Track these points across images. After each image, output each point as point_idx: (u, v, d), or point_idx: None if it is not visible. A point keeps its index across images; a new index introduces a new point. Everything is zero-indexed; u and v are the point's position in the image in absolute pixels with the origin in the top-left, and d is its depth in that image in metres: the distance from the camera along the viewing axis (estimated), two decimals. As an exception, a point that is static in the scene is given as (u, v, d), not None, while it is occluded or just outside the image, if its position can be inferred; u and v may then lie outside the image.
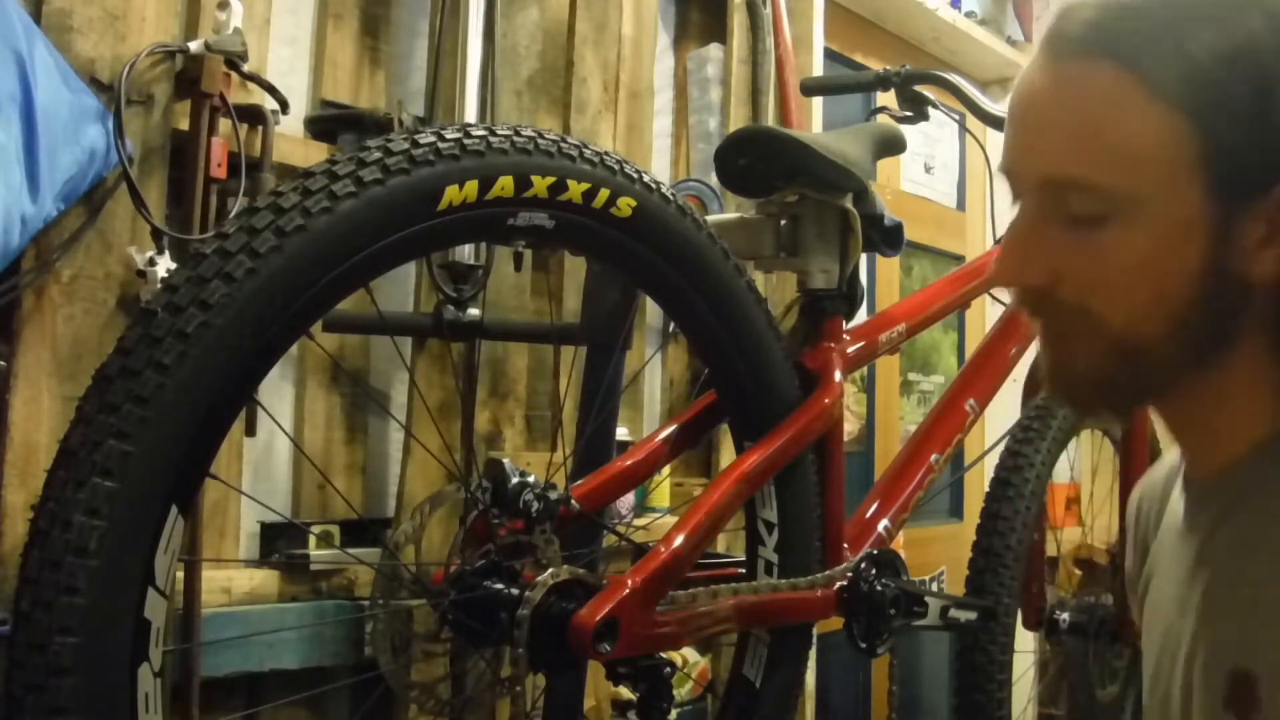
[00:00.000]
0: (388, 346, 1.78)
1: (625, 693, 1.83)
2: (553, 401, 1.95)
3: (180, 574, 1.41)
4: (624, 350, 1.47)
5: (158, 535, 0.77)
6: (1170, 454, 0.95)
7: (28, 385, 1.33)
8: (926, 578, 2.98)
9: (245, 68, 1.51)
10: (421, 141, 0.89)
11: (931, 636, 2.81)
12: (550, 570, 1.02)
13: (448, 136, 0.91)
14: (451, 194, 0.90)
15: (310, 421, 1.69)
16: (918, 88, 1.69)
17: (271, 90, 1.56)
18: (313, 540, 1.63)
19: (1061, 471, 1.86)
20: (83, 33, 1.37)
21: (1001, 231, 1.65)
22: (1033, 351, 1.61)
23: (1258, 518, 0.77)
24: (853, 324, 1.40)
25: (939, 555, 3.03)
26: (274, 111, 1.57)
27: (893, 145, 1.44)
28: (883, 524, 1.41)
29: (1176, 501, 0.88)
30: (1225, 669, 0.75)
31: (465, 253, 1.67)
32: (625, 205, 1.02)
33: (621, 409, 1.79)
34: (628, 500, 1.75)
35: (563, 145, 0.98)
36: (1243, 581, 0.76)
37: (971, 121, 1.74)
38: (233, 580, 1.52)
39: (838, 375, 1.30)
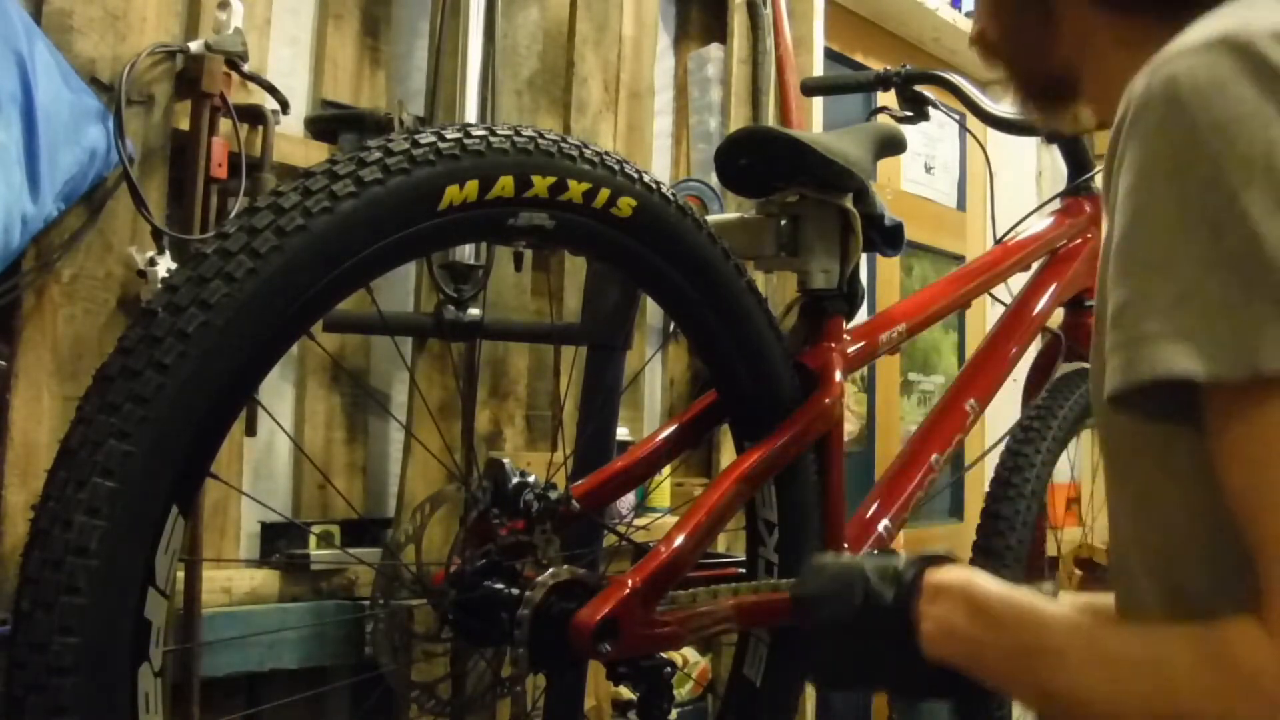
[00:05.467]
0: (388, 346, 1.78)
1: (625, 693, 1.83)
2: (553, 401, 1.95)
3: (181, 574, 1.41)
4: (624, 350, 1.46)
5: (158, 535, 0.77)
6: None
7: (28, 385, 1.33)
8: (927, 578, 2.97)
9: (246, 68, 1.51)
10: (422, 141, 0.89)
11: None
12: (550, 570, 1.02)
13: (448, 136, 0.91)
14: (452, 194, 0.90)
15: (311, 421, 1.69)
16: (918, 88, 1.69)
17: (272, 90, 1.56)
18: (313, 540, 1.63)
19: (1061, 471, 1.86)
20: (83, 33, 1.37)
21: (1001, 231, 1.67)
22: (1033, 351, 1.61)
23: None
24: (853, 324, 1.39)
25: (939, 555, 3.03)
26: (274, 111, 1.57)
27: (893, 145, 1.44)
28: (883, 524, 1.40)
29: None
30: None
31: (465, 253, 1.67)
32: (625, 205, 1.02)
33: (621, 409, 1.79)
34: (628, 500, 1.75)
35: (563, 145, 0.98)
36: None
37: (972, 121, 1.74)
38: (233, 580, 1.52)
39: (838, 375, 1.30)
